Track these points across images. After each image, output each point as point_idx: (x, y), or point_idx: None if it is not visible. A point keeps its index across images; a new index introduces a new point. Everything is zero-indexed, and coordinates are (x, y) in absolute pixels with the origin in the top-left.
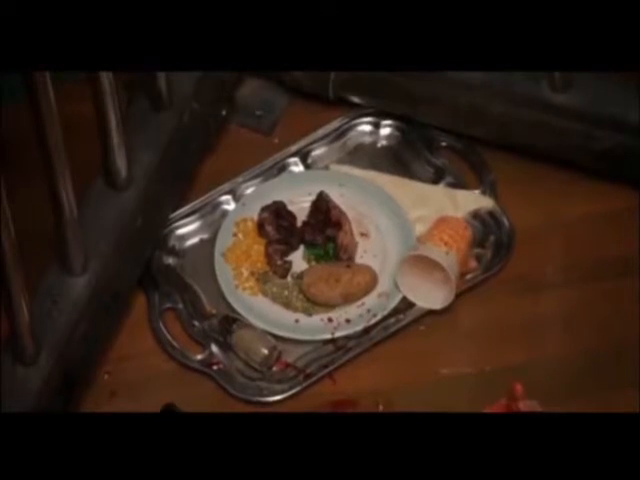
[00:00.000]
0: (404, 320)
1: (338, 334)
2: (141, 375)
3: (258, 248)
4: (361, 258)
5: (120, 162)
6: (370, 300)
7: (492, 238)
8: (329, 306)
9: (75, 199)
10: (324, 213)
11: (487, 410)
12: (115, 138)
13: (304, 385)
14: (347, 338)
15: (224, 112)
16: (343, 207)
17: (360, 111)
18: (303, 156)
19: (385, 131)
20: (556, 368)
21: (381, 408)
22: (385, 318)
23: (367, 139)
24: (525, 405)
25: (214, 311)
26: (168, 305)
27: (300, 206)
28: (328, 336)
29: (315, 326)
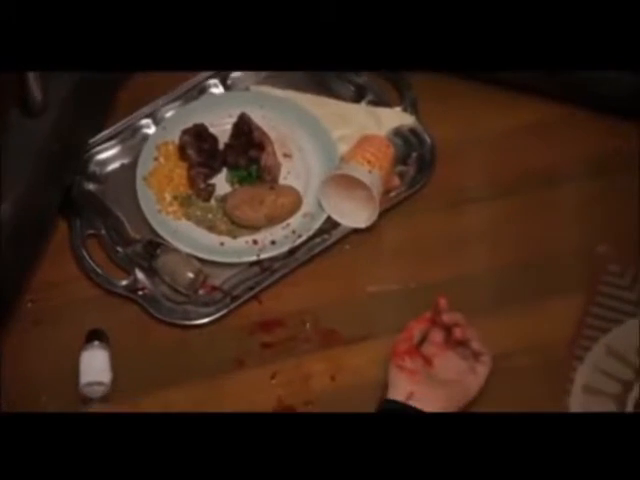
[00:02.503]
0: (329, 240)
1: (263, 256)
2: (65, 302)
3: (180, 172)
4: (285, 179)
5: (35, 88)
6: (295, 221)
7: (414, 155)
8: (254, 228)
9: None
10: (246, 135)
11: (411, 325)
12: None
13: (231, 307)
14: (273, 259)
15: None
16: (265, 128)
17: None
18: (223, 78)
19: None
20: (482, 282)
21: (308, 327)
22: (310, 238)
23: None
24: (448, 317)
25: (138, 236)
26: (90, 231)
27: (221, 128)
28: (253, 258)
29: (240, 248)
